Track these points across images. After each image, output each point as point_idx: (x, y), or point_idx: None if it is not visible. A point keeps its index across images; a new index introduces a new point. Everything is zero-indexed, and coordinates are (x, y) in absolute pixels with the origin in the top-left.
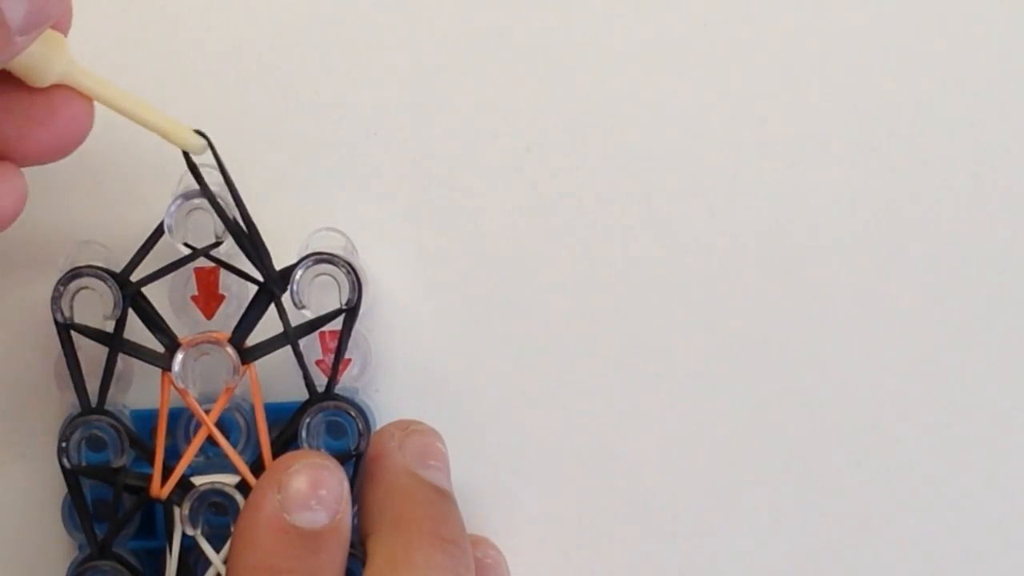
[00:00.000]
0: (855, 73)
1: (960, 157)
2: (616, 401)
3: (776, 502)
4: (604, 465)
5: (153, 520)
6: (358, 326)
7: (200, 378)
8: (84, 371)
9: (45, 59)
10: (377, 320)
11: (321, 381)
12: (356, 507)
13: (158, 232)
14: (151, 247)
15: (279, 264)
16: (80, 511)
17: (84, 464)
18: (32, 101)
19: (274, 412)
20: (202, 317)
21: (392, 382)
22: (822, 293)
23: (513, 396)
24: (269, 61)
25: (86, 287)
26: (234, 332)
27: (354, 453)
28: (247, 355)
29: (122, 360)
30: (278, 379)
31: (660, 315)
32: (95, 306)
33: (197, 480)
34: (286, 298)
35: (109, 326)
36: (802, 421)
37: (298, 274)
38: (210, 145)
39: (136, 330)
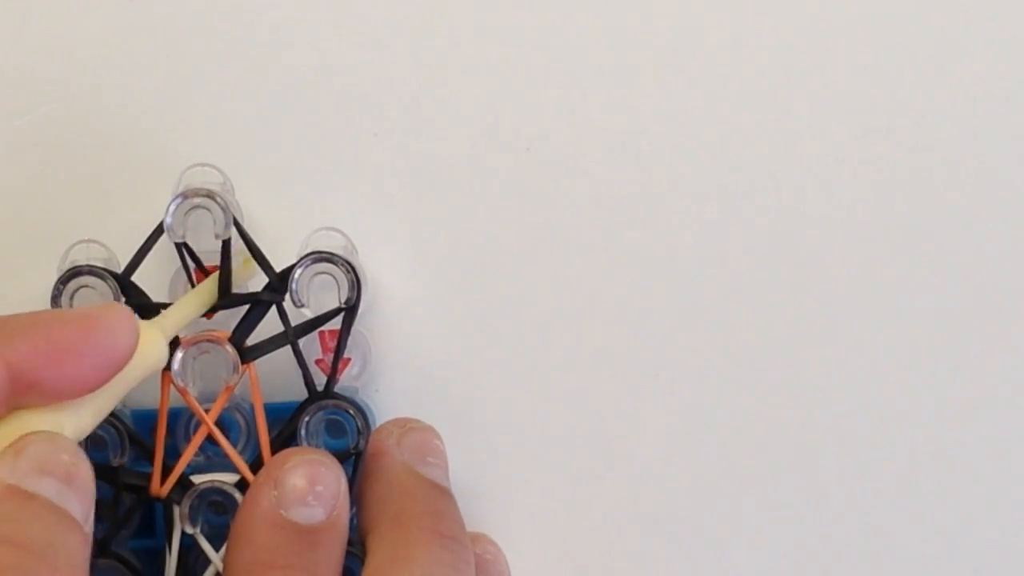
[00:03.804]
0: (856, 72)
1: (961, 156)
2: (616, 401)
3: (777, 501)
4: (604, 464)
5: (153, 520)
6: (358, 325)
7: (200, 377)
8: None
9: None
10: (377, 319)
11: (321, 380)
12: (355, 506)
13: (158, 232)
14: (151, 247)
15: (279, 264)
16: None
17: None
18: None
19: (274, 411)
20: (202, 317)
21: (391, 381)
22: (823, 293)
23: (513, 395)
24: (269, 61)
25: (86, 286)
26: (234, 332)
27: (353, 451)
28: (247, 354)
29: None
30: (278, 378)
31: (660, 315)
32: None
33: (197, 479)
34: (285, 297)
35: None
36: (803, 420)
37: (297, 273)
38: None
39: None
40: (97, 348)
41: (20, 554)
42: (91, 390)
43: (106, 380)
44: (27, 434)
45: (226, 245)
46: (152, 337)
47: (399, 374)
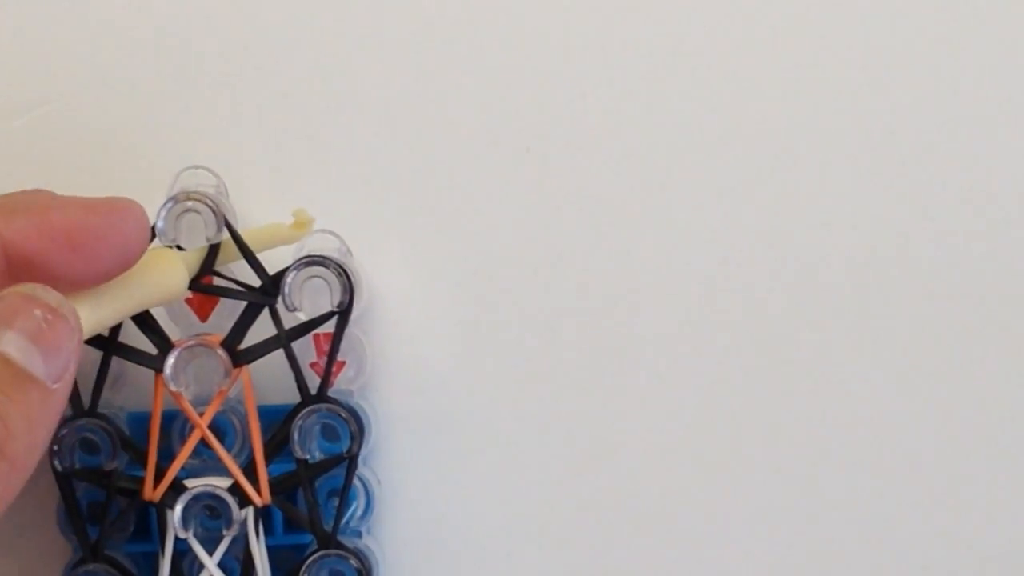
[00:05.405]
0: (856, 74)
1: (964, 157)
2: (616, 401)
3: (777, 502)
4: (604, 465)
5: (149, 524)
6: (354, 329)
7: (195, 381)
8: (79, 373)
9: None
10: (374, 322)
11: (316, 384)
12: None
13: (152, 234)
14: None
15: (275, 267)
16: (72, 514)
17: (77, 467)
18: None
19: (270, 415)
20: (196, 320)
21: (389, 384)
22: (822, 294)
23: (511, 397)
24: (265, 63)
25: None
26: (227, 335)
27: (347, 455)
28: (240, 357)
29: (119, 362)
30: (274, 382)
31: (660, 316)
32: None
33: (190, 483)
34: (278, 300)
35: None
36: (802, 421)
37: (290, 277)
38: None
39: (131, 333)
40: (98, 235)
41: None
42: (94, 281)
43: (108, 273)
44: (11, 288)
45: (215, 248)
46: (172, 261)
47: (396, 377)
